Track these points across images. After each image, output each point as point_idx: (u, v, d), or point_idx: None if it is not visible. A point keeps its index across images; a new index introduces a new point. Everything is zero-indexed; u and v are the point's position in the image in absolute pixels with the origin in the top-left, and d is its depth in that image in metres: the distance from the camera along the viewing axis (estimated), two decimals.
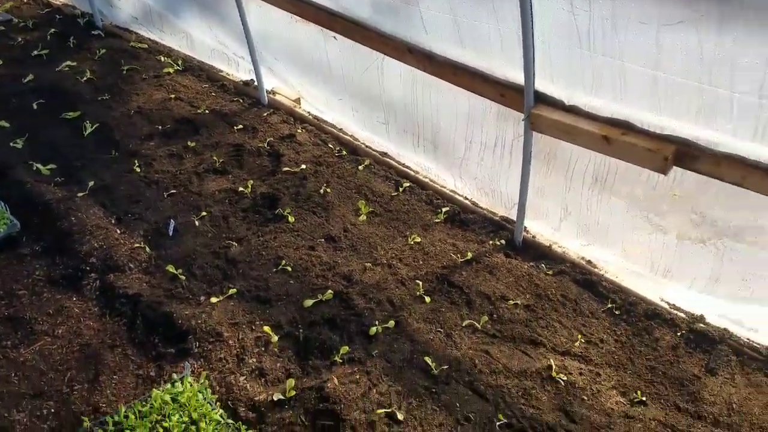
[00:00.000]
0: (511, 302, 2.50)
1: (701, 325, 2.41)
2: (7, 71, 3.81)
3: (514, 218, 2.82)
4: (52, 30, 4.27)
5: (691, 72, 1.89)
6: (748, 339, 2.35)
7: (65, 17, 4.50)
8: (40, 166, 3.04)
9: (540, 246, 2.81)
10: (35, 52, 4.01)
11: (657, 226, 2.41)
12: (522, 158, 2.58)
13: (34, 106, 3.49)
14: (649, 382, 2.22)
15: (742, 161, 1.94)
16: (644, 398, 2.15)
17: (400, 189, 3.12)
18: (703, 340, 2.36)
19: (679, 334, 2.39)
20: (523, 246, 2.82)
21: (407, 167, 3.26)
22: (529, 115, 2.38)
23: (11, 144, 3.20)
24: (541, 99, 2.36)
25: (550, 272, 2.67)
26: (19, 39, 4.17)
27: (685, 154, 2.04)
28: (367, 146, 3.40)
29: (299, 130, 3.51)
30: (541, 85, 2.33)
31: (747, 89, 1.81)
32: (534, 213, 2.79)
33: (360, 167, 3.26)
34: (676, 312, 2.47)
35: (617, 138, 2.13)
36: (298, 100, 3.71)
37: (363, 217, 2.92)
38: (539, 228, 2.86)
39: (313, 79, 3.49)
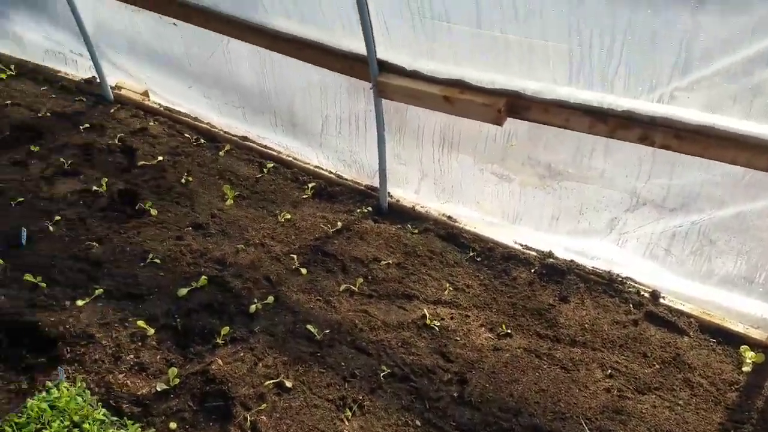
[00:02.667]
0: (384, 263, 2.64)
1: (551, 260, 2.69)
2: None
3: (378, 186, 2.96)
4: None
5: (509, 27, 2.09)
6: (593, 267, 2.65)
7: None
8: None
9: (404, 209, 2.97)
10: None
11: (501, 176, 2.65)
12: (376, 127, 2.71)
13: None
14: (511, 316, 2.46)
15: (565, 105, 2.18)
16: (509, 331, 2.38)
17: (265, 170, 3.15)
18: (554, 272, 2.64)
19: (533, 270, 2.65)
20: (389, 211, 2.97)
21: (269, 148, 3.29)
22: (375, 83, 2.50)
23: None
24: (385, 67, 2.49)
25: (416, 231, 2.85)
26: None
27: (517, 105, 2.26)
28: (225, 132, 3.38)
29: (151, 123, 3.41)
30: (384, 53, 2.46)
31: (557, 37, 2.03)
32: (395, 179, 2.95)
33: (221, 153, 3.24)
34: (528, 252, 2.74)
35: (456, 97, 2.30)
36: (146, 93, 3.59)
37: (230, 202, 2.92)
38: (402, 192, 3.02)
39: (159, 70, 3.39)
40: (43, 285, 2.38)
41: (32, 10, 3.50)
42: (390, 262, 2.65)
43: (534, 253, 2.73)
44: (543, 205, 2.64)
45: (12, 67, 3.73)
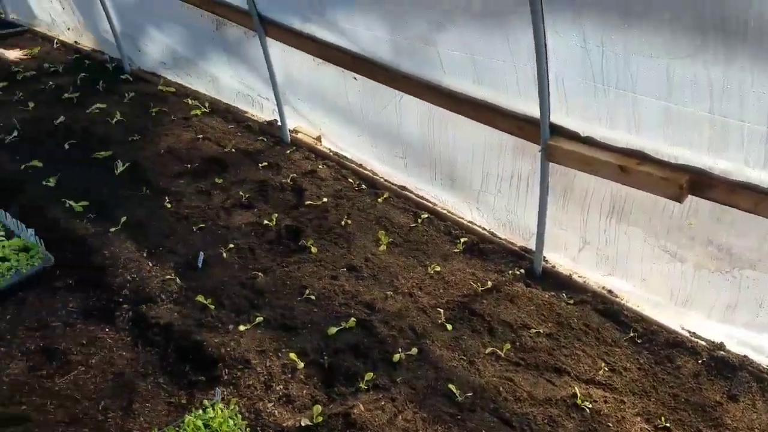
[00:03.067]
0: (533, 330, 2.54)
1: (721, 352, 2.43)
2: (40, 114, 3.97)
3: (533, 248, 2.88)
4: (82, 74, 4.46)
5: (702, 103, 1.97)
6: None
7: (94, 62, 4.70)
8: (72, 203, 3.15)
9: (560, 276, 2.86)
10: (65, 95, 4.18)
11: (674, 255, 2.46)
12: (539, 189, 2.66)
13: (66, 146, 3.64)
14: (672, 408, 2.24)
15: (755, 189, 2.00)
16: (668, 425, 2.17)
17: (419, 220, 3.21)
18: (724, 367, 2.38)
19: (700, 361, 2.41)
20: (543, 275, 2.88)
21: (425, 199, 3.35)
22: (545, 146, 2.46)
23: (44, 182, 3.33)
24: (557, 131, 2.45)
25: (571, 301, 2.72)
26: (50, 83, 4.36)
27: (700, 183, 2.11)
28: (386, 180, 3.50)
29: (320, 166, 3.62)
30: (557, 118, 2.43)
31: (756, 119, 1.88)
32: (553, 243, 2.85)
33: (379, 200, 3.35)
34: (696, 340, 2.50)
35: (633, 168, 2.20)
36: (319, 138, 3.84)
37: (383, 248, 3.00)
38: (558, 258, 2.91)
39: (334, 118, 3.61)
40: (212, 307, 2.58)
41: (231, 55, 3.92)
42: (540, 330, 2.55)
43: (703, 343, 2.49)
44: (718, 291, 2.41)
45: (207, 104, 4.18)
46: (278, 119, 3.83)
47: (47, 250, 2.83)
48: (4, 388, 2.20)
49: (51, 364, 2.35)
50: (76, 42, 4.95)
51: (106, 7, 4.28)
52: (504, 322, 2.58)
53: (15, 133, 3.72)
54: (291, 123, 3.86)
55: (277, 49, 3.48)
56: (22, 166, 3.44)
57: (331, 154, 3.74)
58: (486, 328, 2.56)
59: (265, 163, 3.60)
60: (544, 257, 2.90)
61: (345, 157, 3.71)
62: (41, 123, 3.86)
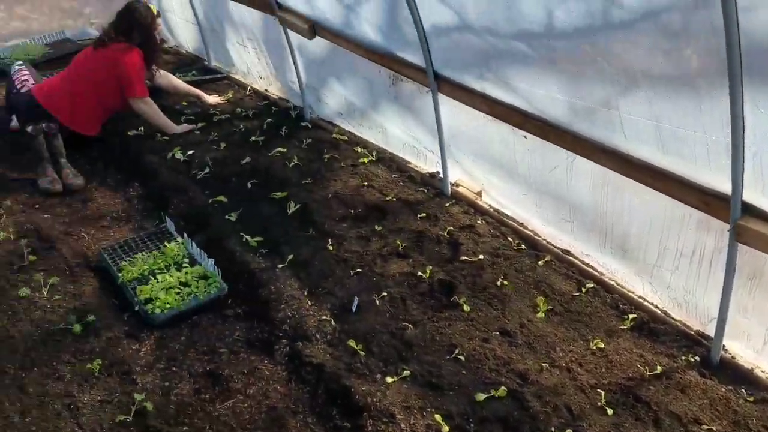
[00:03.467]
0: (705, 427, 2.26)
1: None
2: (229, 154, 4.39)
3: (711, 334, 2.59)
4: (268, 120, 4.87)
5: None
6: None
7: (279, 109, 5.13)
8: (249, 237, 3.41)
9: (740, 368, 2.54)
10: (253, 138, 4.59)
11: None
12: (724, 271, 2.40)
13: (249, 185, 3.97)
14: None
15: None
16: None
17: (583, 289, 3.03)
18: None
19: None
20: (720, 366, 2.57)
21: (591, 267, 3.16)
22: (735, 226, 2.23)
23: (226, 216, 3.64)
24: (750, 210, 2.21)
25: (751, 399, 2.39)
26: (241, 126, 4.81)
27: None
28: (548, 242, 3.37)
29: (479, 222, 3.58)
30: (750, 196, 2.19)
31: None
32: (734, 331, 2.55)
33: (540, 263, 3.23)
34: None
35: None
36: (480, 193, 3.81)
37: (541, 314, 2.87)
38: (739, 348, 2.59)
39: (498, 174, 3.58)
40: (362, 353, 2.62)
41: (402, 108, 4.06)
42: (713, 428, 2.26)
43: None
44: None
45: (374, 153, 4.35)
46: (440, 171, 3.88)
47: (223, 280, 3.08)
48: (171, 407, 2.40)
49: (214, 389, 2.52)
50: (266, 90, 5.44)
51: (295, 61, 4.67)
52: (672, 413, 2.32)
53: (207, 170, 4.13)
54: (453, 176, 3.88)
55: (447, 104, 3.54)
56: (210, 200, 3.80)
57: (491, 210, 3.69)
58: (651, 418, 2.32)
59: (424, 214, 3.64)
60: (724, 346, 2.59)
61: (506, 214, 3.65)
62: (229, 162, 4.26)
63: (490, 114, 3.25)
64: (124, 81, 4.45)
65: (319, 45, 4.37)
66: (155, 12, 4.65)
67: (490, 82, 3.15)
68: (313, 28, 4.20)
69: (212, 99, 5.22)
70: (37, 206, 3.82)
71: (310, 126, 4.81)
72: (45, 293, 2.96)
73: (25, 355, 2.59)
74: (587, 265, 3.18)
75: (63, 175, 4.05)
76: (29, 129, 4.05)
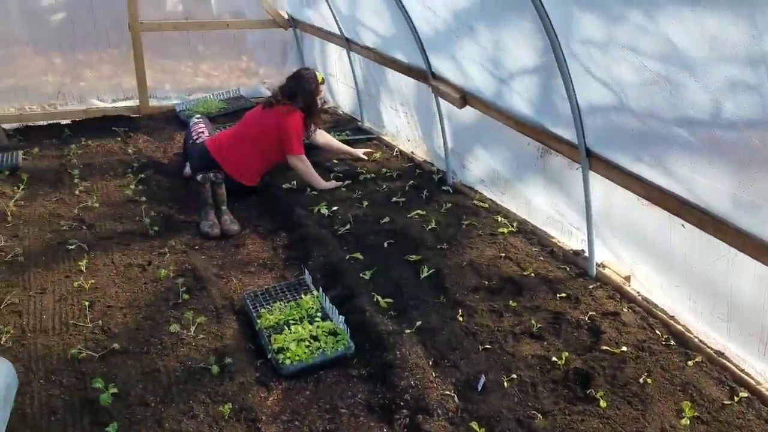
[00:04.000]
0: None
1: None
2: (370, 212, 4.52)
3: None
4: (411, 182, 4.98)
5: None
6: None
7: (423, 172, 5.23)
8: (380, 298, 3.45)
9: None
10: (394, 199, 4.70)
11: None
12: None
13: (385, 245, 4.04)
14: None
15: None
16: None
17: (735, 398, 2.68)
18: None
19: None
20: None
21: (747, 374, 2.81)
22: None
23: (361, 274, 3.71)
24: None
25: None
26: (384, 186, 4.96)
27: None
28: (700, 340, 3.05)
29: (625, 309, 3.33)
30: None
31: None
32: None
33: (689, 363, 2.91)
34: None
35: None
36: (628, 278, 3.56)
37: (685, 421, 2.57)
38: None
39: (649, 261, 3.33)
40: None
41: (548, 182, 3.95)
42: None
43: None
44: None
45: (514, 224, 4.25)
46: (586, 250, 3.69)
47: (350, 338, 3.12)
48: None
49: None
50: (412, 152, 5.59)
51: (443, 127, 4.77)
52: None
53: (348, 227, 4.28)
54: (599, 256, 3.67)
55: (597, 182, 3.39)
56: (347, 257, 3.92)
57: (639, 298, 3.42)
58: None
59: (564, 294, 3.46)
60: None
61: (655, 304, 3.36)
62: (370, 221, 4.38)
63: (644, 197, 3.06)
64: (285, 139, 4.82)
65: (468, 113, 4.43)
66: (320, 79, 5.02)
67: (646, 165, 2.98)
68: (464, 98, 4.27)
69: (362, 151, 5.46)
70: (196, 247, 4.17)
71: (451, 191, 4.83)
72: (192, 331, 3.18)
73: (167, 389, 2.78)
74: (743, 371, 2.83)
75: (222, 221, 4.40)
76: (199, 177, 4.48)
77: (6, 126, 6.19)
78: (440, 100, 4.64)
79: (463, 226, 4.25)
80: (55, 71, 6.78)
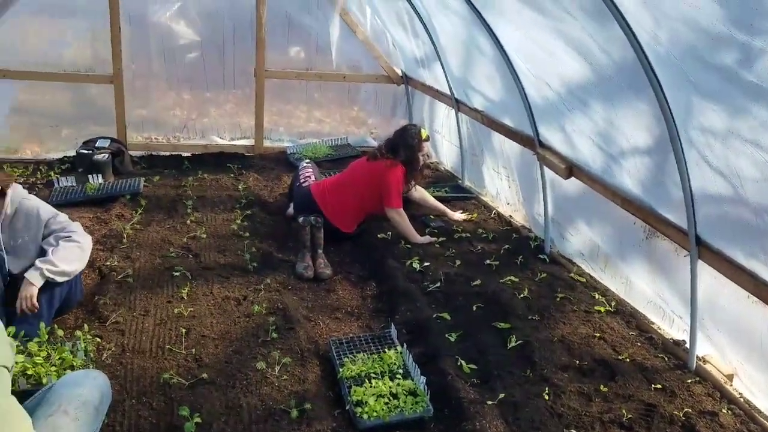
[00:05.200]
0: None
1: None
2: (462, 272, 4.49)
3: None
4: (506, 246, 4.92)
5: None
6: None
7: (520, 237, 5.15)
8: (463, 362, 3.39)
9: None
10: (487, 261, 4.65)
11: None
12: None
13: (474, 308, 3.99)
14: None
15: None
16: None
17: None
18: None
19: None
20: None
21: None
22: None
23: (446, 335, 3.68)
24: None
25: None
26: (479, 247, 4.92)
27: None
28: None
29: (724, 410, 3.08)
30: None
31: None
32: None
33: None
34: None
35: None
36: (730, 376, 3.30)
37: None
38: None
39: (755, 361, 3.09)
40: None
41: (652, 265, 3.79)
42: None
43: None
44: None
45: (612, 303, 4.08)
46: (687, 341, 3.47)
47: (430, 401, 3.07)
48: None
49: None
50: (510, 216, 5.54)
51: (545, 196, 4.71)
52: None
53: (438, 284, 4.28)
54: (701, 350, 3.44)
55: (705, 272, 3.21)
56: (434, 315, 3.90)
57: (741, 399, 3.16)
58: None
59: (659, 386, 3.25)
60: None
61: (758, 409, 3.09)
62: (460, 281, 4.35)
63: (755, 295, 2.87)
64: (385, 192, 4.95)
65: (572, 184, 4.35)
66: (425, 136, 5.14)
67: (759, 261, 2.79)
68: (570, 169, 4.22)
69: (458, 215, 5.48)
70: (289, 287, 4.31)
71: (547, 260, 4.72)
72: (277, 371, 3.27)
73: (247, 426, 2.86)
74: None
75: (316, 264, 4.54)
76: (300, 219, 4.67)
77: (133, 153, 6.76)
78: (545, 168, 4.60)
79: (557, 299, 4.13)
80: (182, 106, 7.37)
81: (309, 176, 5.44)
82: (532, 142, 4.67)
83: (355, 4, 6.95)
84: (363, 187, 5.06)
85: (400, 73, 7.44)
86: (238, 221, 5.29)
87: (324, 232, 4.72)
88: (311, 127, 7.83)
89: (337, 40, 7.13)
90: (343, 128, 7.86)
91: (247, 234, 5.05)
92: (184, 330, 3.57)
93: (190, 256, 4.61)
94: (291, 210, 5.43)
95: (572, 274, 4.48)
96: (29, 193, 3.65)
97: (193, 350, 3.42)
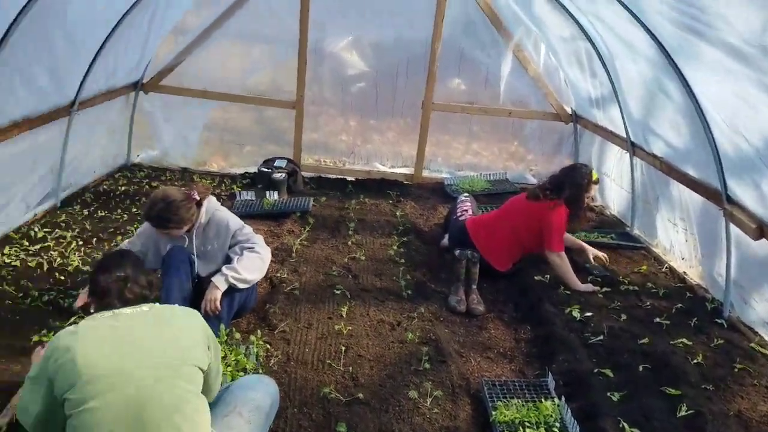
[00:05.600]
0: None
1: None
2: (627, 327, 4.21)
3: None
4: (679, 305, 4.54)
5: None
6: None
7: (694, 297, 4.73)
8: (626, 425, 3.16)
9: None
10: (657, 320, 4.32)
11: None
12: None
13: (640, 368, 3.71)
14: None
15: None
16: None
17: None
18: None
19: None
20: None
21: None
22: None
23: (608, 393, 3.46)
24: None
25: None
26: (647, 303, 4.59)
27: None
28: None
29: None
30: None
31: None
32: None
33: None
34: None
35: None
36: None
37: None
38: None
39: None
40: None
41: None
42: None
43: None
44: None
45: None
46: None
47: None
48: None
49: None
50: (684, 272, 5.12)
51: (729, 255, 4.31)
52: None
53: (600, 337, 4.05)
54: None
55: None
56: (595, 370, 3.68)
57: None
58: None
59: None
60: None
61: None
62: (625, 337, 4.07)
63: None
64: (546, 234, 4.79)
65: (762, 246, 3.94)
66: (595, 178, 4.92)
67: None
68: (762, 229, 3.82)
69: (600, 254, 5.14)
70: (441, 318, 4.31)
71: (725, 325, 4.30)
72: (428, 403, 3.27)
73: None
74: None
75: (469, 299, 4.50)
76: (457, 252, 4.67)
77: (304, 174, 7.21)
78: (731, 225, 4.21)
79: (735, 370, 3.73)
80: (349, 132, 7.75)
81: (466, 210, 5.44)
82: (718, 195, 4.30)
83: (530, 42, 6.91)
84: (521, 226, 4.94)
85: (569, 112, 7.24)
86: (395, 247, 5.42)
87: (479, 268, 4.68)
88: (468, 159, 7.85)
89: (507, 75, 7.12)
90: (501, 163, 7.79)
91: (403, 260, 5.15)
92: (343, 348, 3.71)
93: (350, 276, 4.79)
94: (445, 241, 5.46)
95: (754, 345, 4.03)
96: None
97: (350, 368, 3.53)
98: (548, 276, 4.92)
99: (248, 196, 6.27)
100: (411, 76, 7.23)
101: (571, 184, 4.85)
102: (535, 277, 4.94)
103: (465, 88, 7.47)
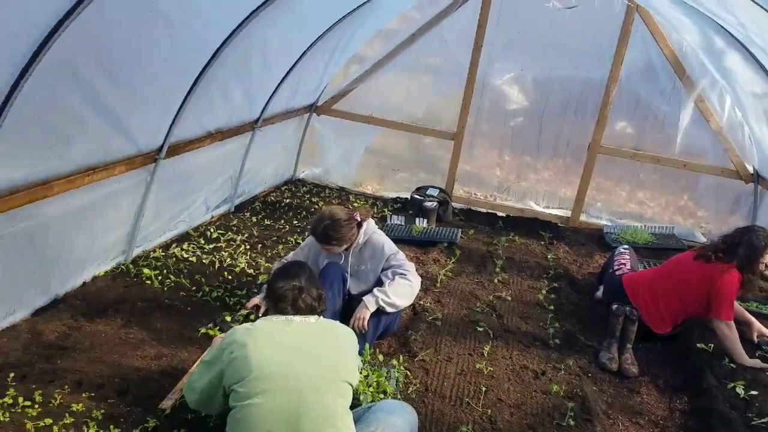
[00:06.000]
0: None
1: None
2: None
3: None
4: None
5: None
6: None
7: None
8: None
9: None
10: None
11: None
12: None
13: None
14: None
15: None
16: None
17: None
18: None
19: None
20: None
21: None
22: None
23: None
24: None
25: None
26: None
27: None
28: None
29: None
30: None
31: None
32: None
33: None
34: None
35: None
36: None
37: None
38: None
39: None
40: None
41: None
42: None
43: None
44: None
45: None
46: None
47: None
48: None
49: None
50: None
51: None
52: None
53: (765, 420, 3.61)
54: None
55: None
56: None
57: None
58: None
59: None
60: None
61: None
62: None
63: None
64: (714, 300, 4.37)
65: None
66: None
67: None
68: None
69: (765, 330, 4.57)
70: (589, 374, 4.08)
71: None
72: None
73: None
74: None
75: (622, 359, 4.22)
76: (614, 307, 4.41)
77: (455, 204, 7.25)
78: None
79: None
80: (502, 167, 7.67)
81: (624, 264, 5.11)
82: None
83: (715, 93, 6.44)
84: (687, 288, 4.53)
85: (750, 171, 6.62)
86: (544, 291, 5.25)
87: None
88: (631, 208, 7.42)
89: (686, 125, 6.68)
90: (667, 216, 7.29)
91: (552, 307, 4.97)
92: (483, 388, 3.65)
93: (494, 315, 4.72)
94: (599, 294, 5.18)
95: None
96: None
97: (489, 411, 3.46)
98: (711, 345, 4.48)
99: (398, 220, 6.43)
100: (579, 115, 7.04)
101: (747, 247, 4.40)
102: (697, 344, 4.52)
103: (631, 131, 7.11)
